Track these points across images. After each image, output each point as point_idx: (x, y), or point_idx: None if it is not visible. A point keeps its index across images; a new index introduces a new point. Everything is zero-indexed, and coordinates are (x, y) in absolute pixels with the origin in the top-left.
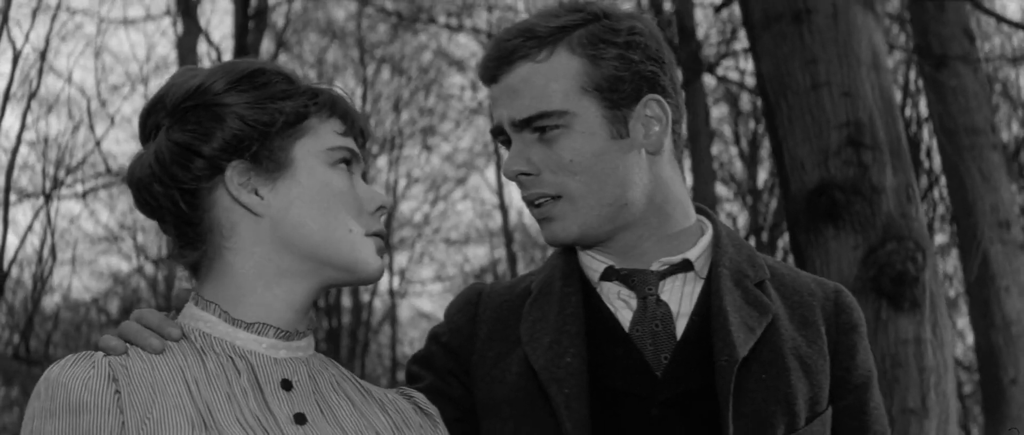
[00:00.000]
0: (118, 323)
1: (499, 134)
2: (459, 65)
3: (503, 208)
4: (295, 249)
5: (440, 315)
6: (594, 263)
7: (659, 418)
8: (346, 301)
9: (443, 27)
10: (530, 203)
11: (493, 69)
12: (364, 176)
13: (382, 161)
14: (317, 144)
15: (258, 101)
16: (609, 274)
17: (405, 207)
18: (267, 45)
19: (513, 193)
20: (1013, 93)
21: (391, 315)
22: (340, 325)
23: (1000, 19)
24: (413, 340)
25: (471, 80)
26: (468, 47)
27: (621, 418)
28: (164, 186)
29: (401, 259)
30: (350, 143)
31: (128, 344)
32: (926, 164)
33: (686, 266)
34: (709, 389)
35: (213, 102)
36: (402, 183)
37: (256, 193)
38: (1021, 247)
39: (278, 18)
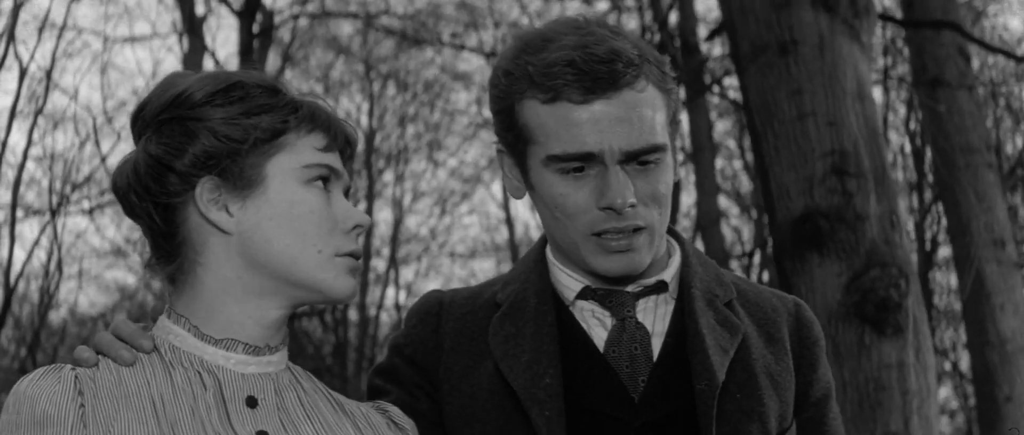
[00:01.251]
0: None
1: (582, 159)
2: (465, 79)
3: (509, 222)
4: (263, 268)
5: None
6: (570, 282)
7: None
8: (353, 315)
9: (448, 45)
10: (601, 233)
11: (590, 90)
12: (348, 192)
13: (388, 175)
14: (292, 161)
15: (232, 117)
16: (585, 293)
17: (412, 221)
18: (274, 60)
19: (520, 207)
20: (1016, 106)
21: (398, 329)
22: (346, 339)
23: (987, 47)
24: None
25: (477, 96)
26: (473, 62)
27: None
28: (140, 198)
29: (408, 273)
30: (329, 159)
31: (101, 356)
32: (931, 178)
33: (661, 287)
34: (686, 412)
35: (187, 116)
36: (408, 197)
37: (226, 210)
38: (1016, 266)
39: (284, 33)
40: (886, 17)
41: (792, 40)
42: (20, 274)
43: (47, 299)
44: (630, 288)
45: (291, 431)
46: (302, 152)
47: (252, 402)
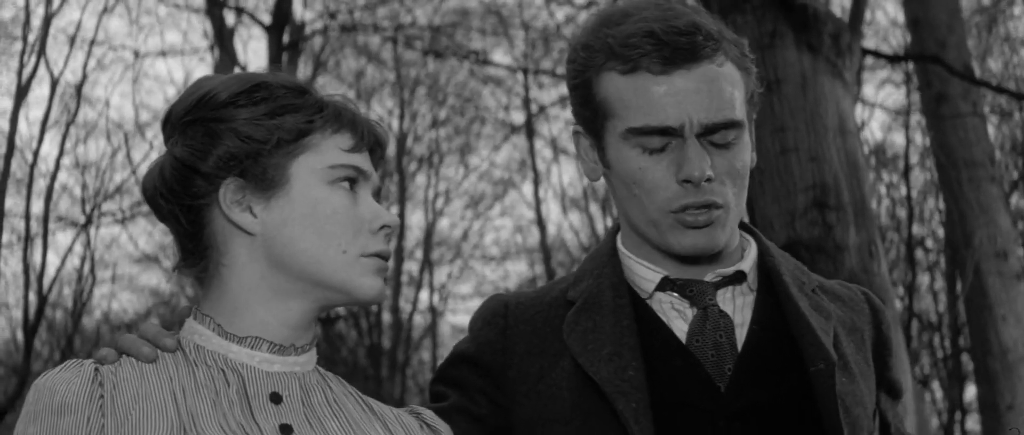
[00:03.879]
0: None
1: (661, 133)
2: (495, 83)
3: (541, 224)
4: (287, 269)
5: None
6: (647, 273)
7: (725, 430)
8: (387, 318)
9: (474, 62)
10: (680, 209)
11: (670, 61)
12: (378, 194)
13: (421, 178)
14: (317, 161)
15: (256, 117)
16: (664, 284)
17: (444, 223)
18: (305, 68)
19: (552, 209)
20: None
21: (431, 331)
22: (380, 342)
23: (972, 80)
24: None
25: (505, 103)
26: (501, 67)
27: (685, 431)
28: (166, 200)
29: (440, 275)
30: (355, 160)
31: (123, 355)
32: None
33: (739, 277)
34: (773, 401)
35: (211, 117)
36: (441, 200)
37: (251, 211)
38: (1017, 277)
39: (315, 42)
40: (869, 52)
41: (776, 79)
42: (54, 279)
43: (81, 304)
44: (708, 278)
45: (316, 427)
46: (327, 152)
47: (276, 398)
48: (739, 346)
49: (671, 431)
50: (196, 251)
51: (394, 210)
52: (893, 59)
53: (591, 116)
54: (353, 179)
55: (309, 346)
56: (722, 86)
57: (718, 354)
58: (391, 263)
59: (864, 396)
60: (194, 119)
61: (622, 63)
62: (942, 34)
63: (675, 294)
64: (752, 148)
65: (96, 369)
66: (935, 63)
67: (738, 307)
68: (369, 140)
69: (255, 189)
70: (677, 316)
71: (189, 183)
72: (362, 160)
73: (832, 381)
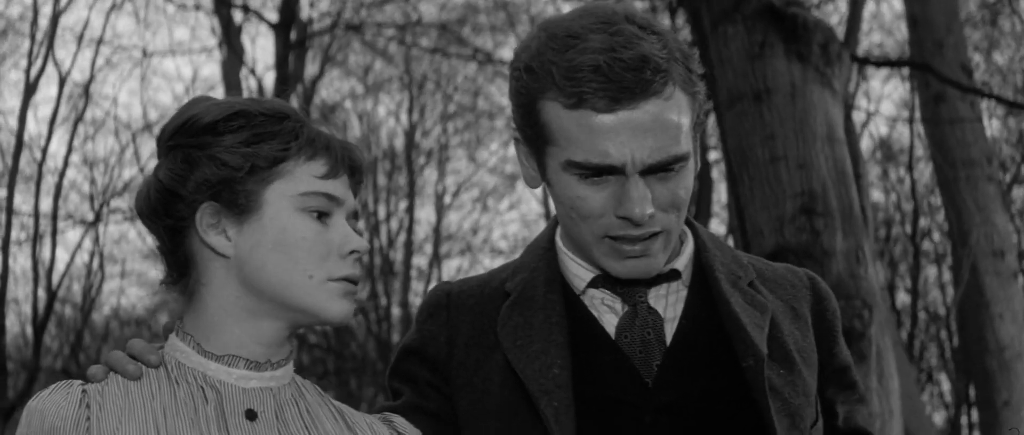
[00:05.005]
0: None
1: (603, 171)
2: (504, 77)
3: (548, 219)
4: (258, 291)
5: None
6: (581, 271)
7: (651, 424)
8: (396, 312)
9: (481, 61)
10: (616, 238)
11: (616, 99)
12: (357, 215)
13: (430, 172)
14: (290, 188)
15: (232, 145)
16: (596, 281)
17: (453, 218)
18: (313, 64)
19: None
20: None
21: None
22: (390, 337)
23: (960, 87)
24: None
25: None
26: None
27: (612, 426)
28: (151, 220)
29: (449, 269)
30: (329, 187)
31: (111, 371)
32: None
33: (673, 275)
34: (704, 395)
35: (190, 143)
36: (450, 194)
37: (225, 234)
38: (1014, 275)
39: (323, 37)
40: (860, 60)
41: (766, 88)
42: (63, 275)
43: (90, 300)
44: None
45: None
46: (301, 180)
47: (251, 415)
48: (668, 341)
49: (599, 425)
50: (179, 269)
51: (403, 204)
52: (883, 65)
53: (533, 135)
54: (324, 208)
55: (285, 360)
56: (668, 120)
57: (645, 350)
58: (399, 257)
59: (807, 384)
60: (175, 145)
61: (565, 96)
62: (940, 34)
63: (607, 290)
64: (697, 164)
65: (84, 391)
66: (926, 71)
67: (670, 303)
68: (345, 165)
69: (229, 214)
70: (608, 310)
71: (171, 206)
72: (335, 186)
73: (761, 377)
